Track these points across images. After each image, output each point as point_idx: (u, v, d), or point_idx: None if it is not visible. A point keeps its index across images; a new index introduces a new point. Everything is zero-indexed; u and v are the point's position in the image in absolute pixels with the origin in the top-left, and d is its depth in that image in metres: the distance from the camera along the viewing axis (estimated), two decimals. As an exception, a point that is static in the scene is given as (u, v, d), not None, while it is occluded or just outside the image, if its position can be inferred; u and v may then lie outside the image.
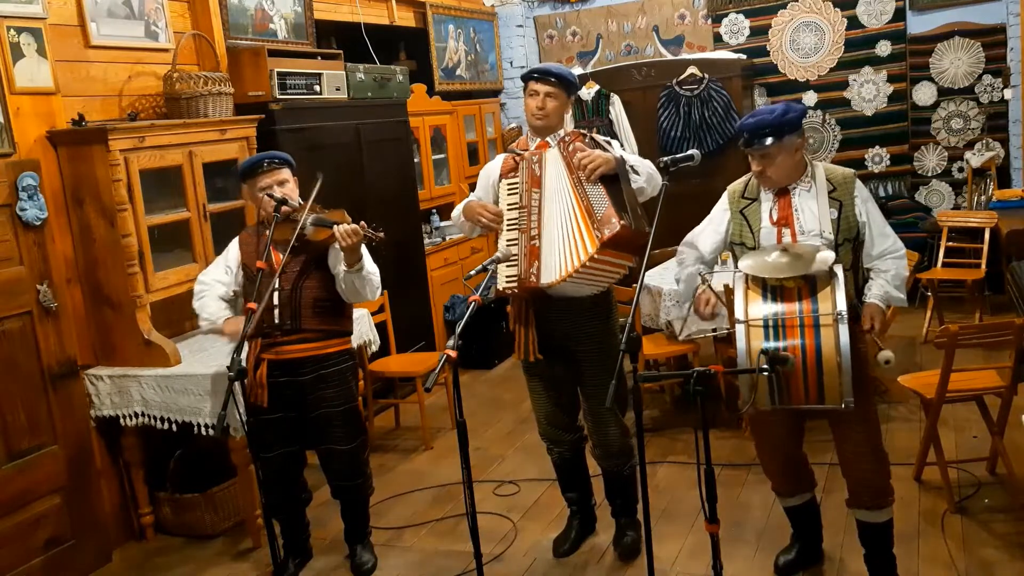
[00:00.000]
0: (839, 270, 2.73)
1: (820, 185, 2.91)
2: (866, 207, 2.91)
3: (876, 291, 2.89)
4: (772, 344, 2.66)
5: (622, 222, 2.93)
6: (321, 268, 3.37)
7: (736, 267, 2.93)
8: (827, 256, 2.73)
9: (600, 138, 3.20)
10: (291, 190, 3.38)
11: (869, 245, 2.92)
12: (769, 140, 2.81)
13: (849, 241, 2.89)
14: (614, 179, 3.04)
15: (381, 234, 3.20)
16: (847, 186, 2.90)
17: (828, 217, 2.86)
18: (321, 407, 3.39)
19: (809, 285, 2.72)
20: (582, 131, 3.23)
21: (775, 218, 2.92)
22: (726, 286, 3.17)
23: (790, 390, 2.68)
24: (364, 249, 3.32)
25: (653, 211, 2.82)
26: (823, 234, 2.85)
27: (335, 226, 3.18)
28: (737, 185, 3.08)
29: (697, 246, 3.12)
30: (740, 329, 2.70)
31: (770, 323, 2.69)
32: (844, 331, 2.61)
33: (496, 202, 3.28)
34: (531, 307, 3.23)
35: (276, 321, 3.30)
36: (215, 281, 3.46)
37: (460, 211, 3.36)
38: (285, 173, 3.39)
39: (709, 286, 3.02)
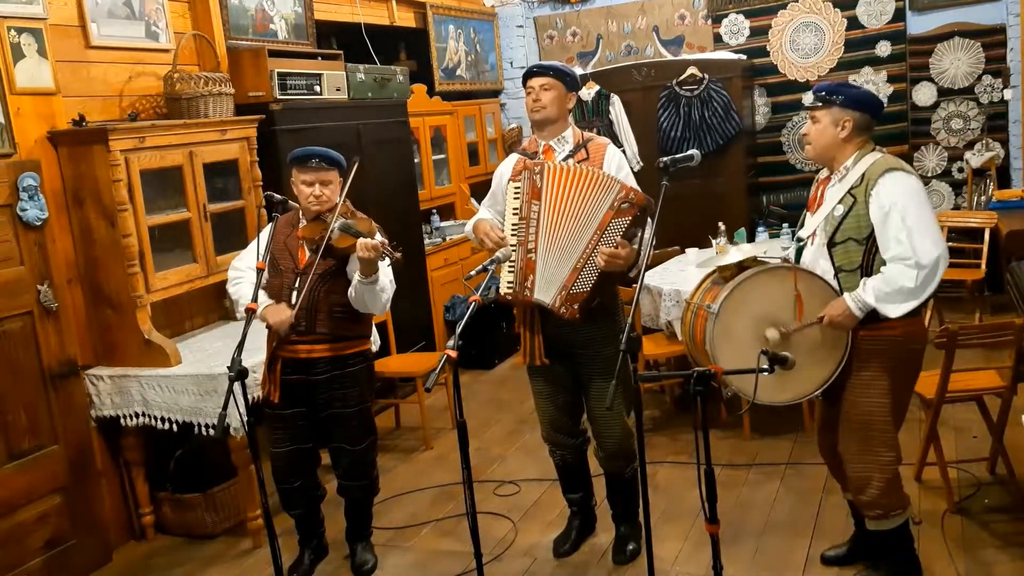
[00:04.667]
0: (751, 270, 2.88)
1: (850, 178, 2.80)
2: (883, 208, 2.70)
3: (856, 290, 2.76)
4: (689, 325, 3.01)
5: (576, 317, 3.11)
6: (343, 274, 3.35)
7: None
8: (732, 257, 3.02)
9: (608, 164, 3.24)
10: (332, 191, 3.36)
11: (883, 248, 2.74)
12: (817, 101, 2.84)
13: (856, 241, 2.76)
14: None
15: (398, 254, 3.18)
16: (871, 182, 2.73)
17: (829, 213, 2.83)
18: (333, 407, 3.40)
19: (725, 279, 2.95)
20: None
21: (812, 206, 2.97)
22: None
23: (703, 365, 2.84)
24: (387, 266, 3.32)
25: (654, 211, 2.85)
26: (814, 231, 2.87)
27: (358, 238, 3.17)
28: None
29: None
30: (683, 308, 3.15)
31: (693, 307, 3.00)
32: (711, 323, 2.81)
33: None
34: (537, 311, 3.24)
35: (292, 321, 3.29)
36: (250, 268, 3.40)
37: (470, 228, 3.37)
38: (331, 175, 3.34)
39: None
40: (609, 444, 3.36)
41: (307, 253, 3.33)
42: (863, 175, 2.78)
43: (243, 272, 3.45)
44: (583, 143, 3.28)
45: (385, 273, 3.31)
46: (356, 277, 3.27)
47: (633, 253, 3.08)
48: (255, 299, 3.05)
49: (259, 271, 3.18)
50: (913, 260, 2.66)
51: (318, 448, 3.55)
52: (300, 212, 3.41)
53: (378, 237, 3.21)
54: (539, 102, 3.23)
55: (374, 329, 4.69)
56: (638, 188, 3.20)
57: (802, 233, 2.98)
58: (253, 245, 3.49)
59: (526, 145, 3.39)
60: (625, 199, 3.06)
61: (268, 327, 3.32)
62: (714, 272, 3.05)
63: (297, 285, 3.30)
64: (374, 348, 4.67)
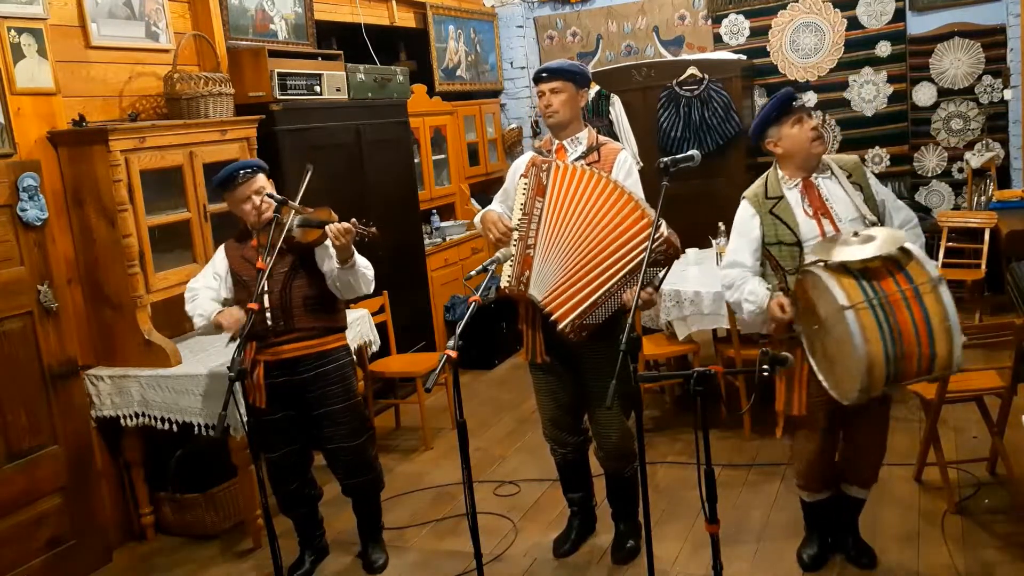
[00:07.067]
0: (911, 244, 2.68)
1: (838, 172, 2.99)
2: (878, 186, 3.02)
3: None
4: (884, 323, 2.54)
5: (568, 335, 3.07)
6: (308, 266, 3.36)
7: (791, 264, 2.95)
8: (898, 234, 2.70)
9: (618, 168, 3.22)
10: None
11: (890, 220, 2.98)
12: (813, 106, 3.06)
13: (875, 223, 2.94)
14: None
15: (373, 229, 3.20)
16: (859, 169, 3.01)
17: (860, 200, 2.94)
18: (324, 405, 3.39)
19: (892, 262, 2.63)
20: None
21: (810, 211, 2.95)
22: (783, 289, 2.98)
23: (906, 367, 2.57)
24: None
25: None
26: (866, 218, 2.90)
27: (326, 226, 3.18)
28: (755, 188, 3.08)
29: (740, 263, 3.05)
30: (849, 315, 2.54)
31: (875, 303, 2.56)
32: (946, 292, 2.54)
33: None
34: (539, 308, 3.24)
35: (269, 323, 3.29)
36: (205, 287, 3.43)
37: (479, 219, 3.38)
38: (260, 180, 3.37)
39: (782, 290, 2.92)
40: (609, 444, 3.36)
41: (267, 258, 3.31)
42: (843, 168, 3.03)
43: (197, 290, 3.43)
44: (596, 146, 3.28)
45: (358, 253, 3.33)
46: (333, 266, 3.28)
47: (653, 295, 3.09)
48: (257, 300, 3.06)
49: (260, 271, 3.18)
50: (916, 220, 3.01)
51: (309, 447, 3.55)
52: (245, 229, 3.41)
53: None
54: (551, 107, 3.23)
55: (374, 330, 4.72)
56: (645, 201, 3.15)
57: (806, 235, 2.93)
58: (207, 268, 3.50)
59: (542, 143, 3.40)
60: (662, 245, 2.96)
61: (223, 331, 3.28)
62: (833, 264, 2.67)
63: (266, 289, 3.26)
64: (374, 348, 4.70)
